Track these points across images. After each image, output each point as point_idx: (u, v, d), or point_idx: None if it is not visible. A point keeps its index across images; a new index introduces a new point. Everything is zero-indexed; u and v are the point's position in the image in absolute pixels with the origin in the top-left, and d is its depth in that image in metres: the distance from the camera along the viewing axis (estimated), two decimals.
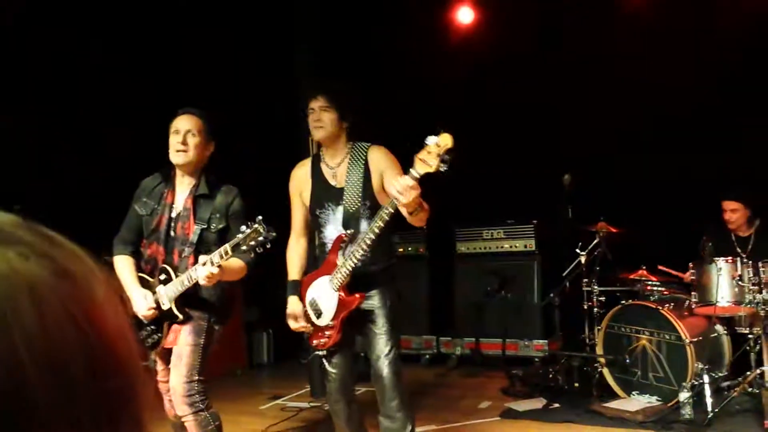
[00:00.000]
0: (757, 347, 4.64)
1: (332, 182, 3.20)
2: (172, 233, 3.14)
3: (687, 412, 4.27)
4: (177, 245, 3.13)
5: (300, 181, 3.31)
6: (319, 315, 3.15)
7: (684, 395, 4.29)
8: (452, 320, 6.82)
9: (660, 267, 5.25)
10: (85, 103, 5.38)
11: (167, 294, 3.06)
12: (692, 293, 4.82)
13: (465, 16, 6.67)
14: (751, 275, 4.51)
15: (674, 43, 5.79)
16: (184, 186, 3.20)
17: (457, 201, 6.14)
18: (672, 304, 4.90)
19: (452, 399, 5.37)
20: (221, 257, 2.82)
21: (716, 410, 4.24)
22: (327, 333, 3.13)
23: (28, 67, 5.07)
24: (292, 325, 3.22)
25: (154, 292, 3.12)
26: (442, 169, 2.54)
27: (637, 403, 4.66)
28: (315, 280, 3.19)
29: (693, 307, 4.80)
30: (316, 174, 3.26)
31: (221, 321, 3.21)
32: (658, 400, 4.65)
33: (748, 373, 4.49)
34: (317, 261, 3.33)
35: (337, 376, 3.23)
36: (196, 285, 2.96)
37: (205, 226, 3.10)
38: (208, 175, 3.21)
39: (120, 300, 0.53)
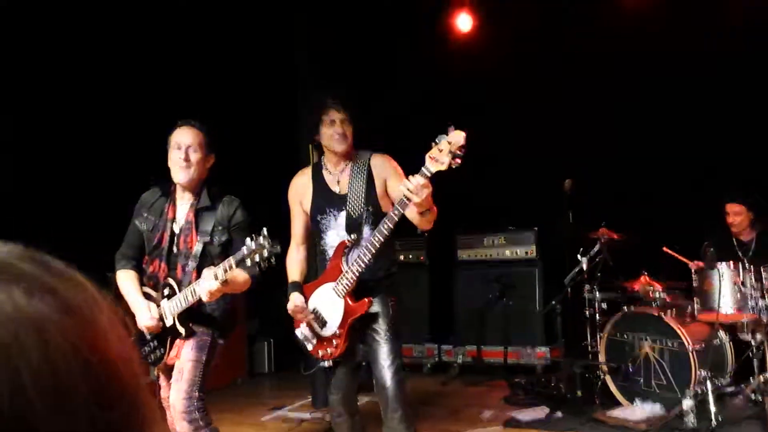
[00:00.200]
0: (760, 353, 4.62)
1: (335, 188, 3.20)
2: (174, 249, 3.09)
3: (690, 419, 4.24)
4: (180, 260, 3.08)
5: (300, 188, 3.30)
6: (323, 325, 3.13)
7: (687, 403, 4.26)
8: (453, 328, 6.80)
9: (665, 249, 5.11)
10: (84, 110, 5.34)
11: (170, 309, 3.02)
12: (694, 299, 4.80)
13: (464, 23, 6.67)
14: (754, 281, 4.49)
15: (675, 47, 5.78)
16: (185, 199, 3.15)
17: (457, 207, 6.12)
18: (674, 310, 4.88)
19: (454, 408, 5.34)
20: (224, 272, 2.77)
21: (720, 418, 4.21)
22: (334, 342, 3.10)
23: (28, 69, 5.04)
24: (298, 316, 3.15)
25: (158, 307, 3.08)
26: (454, 166, 2.55)
27: (640, 410, 4.63)
28: (316, 289, 3.17)
29: (695, 313, 4.78)
30: (318, 181, 3.25)
31: (225, 335, 3.17)
32: (661, 408, 4.62)
33: (752, 379, 4.47)
34: (317, 271, 3.30)
35: (341, 388, 3.20)
36: (200, 300, 2.92)
37: (208, 239, 3.05)
38: (210, 187, 3.16)
39: (123, 324, 0.55)
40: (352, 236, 3.09)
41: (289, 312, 3.17)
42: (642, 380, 4.80)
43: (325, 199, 3.20)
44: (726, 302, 4.58)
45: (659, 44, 5.87)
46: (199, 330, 3.06)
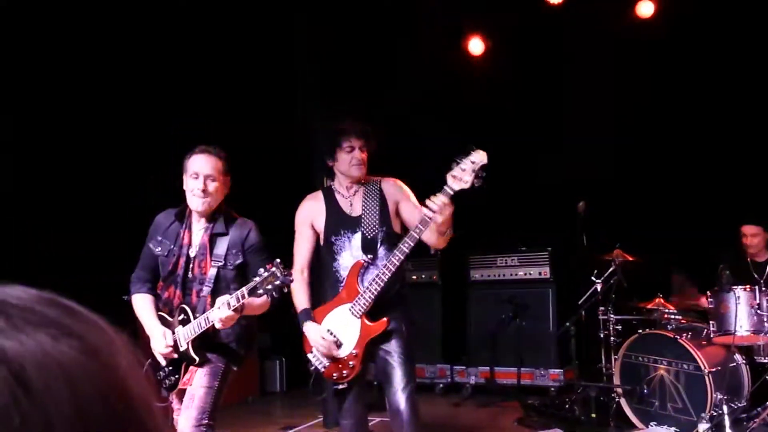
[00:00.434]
0: None
1: (348, 210, 3.23)
2: (189, 274, 3.08)
3: None
4: (195, 285, 3.06)
5: (312, 210, 3.31)
6: (339, 346, 3.11)
7: (703, 426, 4.21)
8: (466, 348, 6.76)
9: (674, 276, 5.16)
10: (84, 111, 5.27)
11: (185, 336, 3.01)
12: (710, 322, 4.75)
13: (475, 47, 6.69)
14: None
15: (686, 66, 5.78)
16: (200, 225, 3.11)
17: (470, 228, 6.11)
18: (690, 333, 4.83)
19: (467, 430, 5.30)
20: (237, 300, 2.76)
21: None
22: (350, 363, 3.08)
23: (27, 72, 5.04)
24: (321, 349, 3.13)
25: (173, 332, 3.06)
26: (476, 185, 2.58)
27: None
28: (330, 311, 3.16)
29: (711, 336, 4.73)
30: (331, 203, 3.28)
31: (239, 362, 3.14)
32: (676, 431, 4.56)
33: None
34: (327, 294, 3.28)
35: (353, 415, 3.18)
36: (214, 327, 2.90)
37: (222, 263, 3.03)
38: (225, 211, 3.12)
39: (139, 363, 0.56)
40: (369, 256, 3.10)
41: (314, 346, 3.14)
42: (657, 403, 4.75)
43: (339, 221, 3.22)
44: (742, 325, 4.53)
45: (674, 66, 5.87)
46: (212, 357, 3.04)
